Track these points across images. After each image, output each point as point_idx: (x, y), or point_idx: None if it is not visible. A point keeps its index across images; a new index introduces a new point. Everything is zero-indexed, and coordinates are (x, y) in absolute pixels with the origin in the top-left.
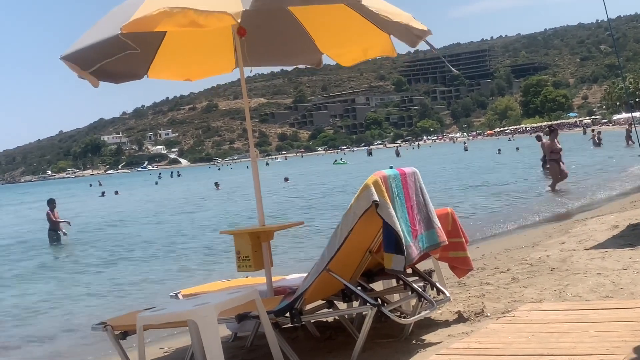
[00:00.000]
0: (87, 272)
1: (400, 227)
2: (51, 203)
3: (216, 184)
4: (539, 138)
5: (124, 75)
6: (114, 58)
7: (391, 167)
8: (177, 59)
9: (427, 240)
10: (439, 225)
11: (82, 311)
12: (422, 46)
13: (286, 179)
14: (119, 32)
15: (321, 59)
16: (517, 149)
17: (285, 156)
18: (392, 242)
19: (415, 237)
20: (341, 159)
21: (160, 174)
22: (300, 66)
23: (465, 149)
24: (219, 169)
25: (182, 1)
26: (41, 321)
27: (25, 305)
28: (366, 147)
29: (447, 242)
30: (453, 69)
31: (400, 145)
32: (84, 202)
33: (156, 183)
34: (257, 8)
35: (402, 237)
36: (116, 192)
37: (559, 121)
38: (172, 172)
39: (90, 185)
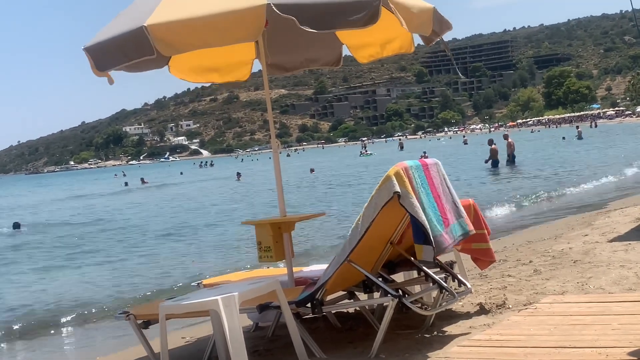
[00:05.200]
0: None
1: (427, 216)
2: None
3: (238, 174)
4: (490, 142)
5: (145, 67)
6: (132, 62)
7: (423, 155)
8: (194, 58)
9: (459, 229)
10: (465, 214)
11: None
12: (444, 37)
13: (312, 170)
14: (143, 25)
15: (341, 53)
16: (563, 138)
17: (304, 148)
18: (420, 232)
19: (447, 226)
20: (366, 150)
21: (201, 162)
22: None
23: (465, 143)
24: (242, 160)
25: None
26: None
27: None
28: (360, 140)
29: (475, 231)
30: (461, 75)
31: (422, 137)
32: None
33: (181, 173)
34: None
35: (428, 227)
36: (143, 181)
37: (581, 113)
38: (206, 162)
39: (115, 175)
